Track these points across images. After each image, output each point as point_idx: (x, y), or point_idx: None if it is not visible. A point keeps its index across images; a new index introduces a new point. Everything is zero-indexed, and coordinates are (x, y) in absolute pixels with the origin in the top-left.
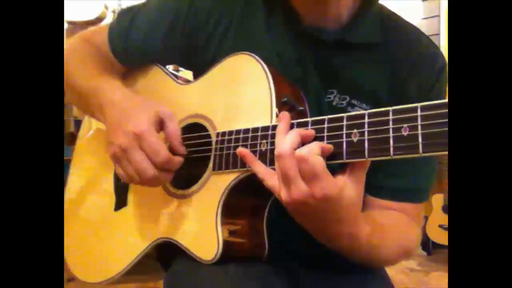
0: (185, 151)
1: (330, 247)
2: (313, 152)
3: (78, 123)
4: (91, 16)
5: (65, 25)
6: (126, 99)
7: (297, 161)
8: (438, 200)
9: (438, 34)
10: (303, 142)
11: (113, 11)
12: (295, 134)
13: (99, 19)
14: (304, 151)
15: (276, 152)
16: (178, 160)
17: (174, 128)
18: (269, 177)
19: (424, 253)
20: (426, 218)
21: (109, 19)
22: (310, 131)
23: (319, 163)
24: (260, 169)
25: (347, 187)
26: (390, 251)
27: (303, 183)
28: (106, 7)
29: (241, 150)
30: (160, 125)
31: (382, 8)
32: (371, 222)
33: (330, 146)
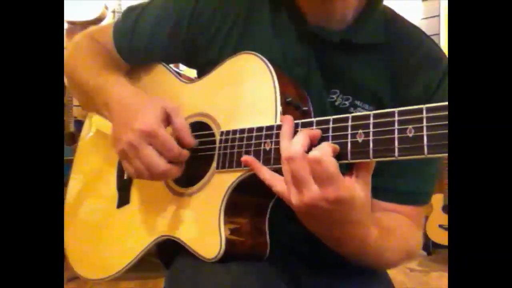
0: (196, 143)
1: (338, 251)
2: (327, 153)
3: (78, 123)
4: (91, 16)
5: (65, 25)
6: (132, 96)
7: (310, 163)
8: (438, 200)
9: (438, 34)
10: (311, 143)
11: (113, 11)
12: (304, 136)
13: (99, 19)
14: (317, 153)
15: (286, 155)
16: (187, 153)
17: (182, 122)
18: (277, 182)
19: (424, 253)
20: (426, 218)
21: (109, 19)
22: (317, 131)
23: (333, 164)
24: (267, 175)
25: (357, 188)
26: (394, 253)
27: (316, 186)
28: (106, 7)
29: (246, 158)
30: (167, 120)
31: (386, 9)
32: (377, 225)
33: (337, 146)
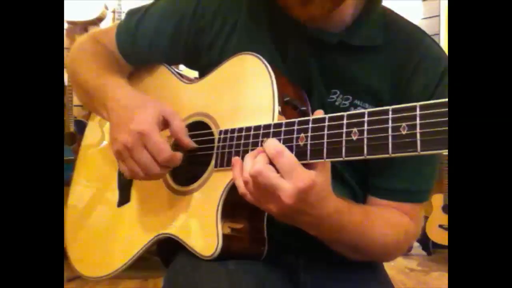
0: (194, 145)
1: (327, 238)
2: (261, 166)
3: (78, 123)
4: (91, 16)
5: (65, 25)
6: (129, 97)
7: (256, 180)
8: (438, 200)
9: (438, 34)
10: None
11: (113, 11)
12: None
13: (99, 19)
14: (254, 170)
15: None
16: (180, 156)
17: (179, 124)
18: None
19: (424, 253)
20: (426, 218)
21: (109, 19)
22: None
23: (268, 170)
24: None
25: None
26: (380, 236)
27: (288, 183)
28: (106, 7)
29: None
30: (164, 123)
31: (385, 10)
32: (360, 208)
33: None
